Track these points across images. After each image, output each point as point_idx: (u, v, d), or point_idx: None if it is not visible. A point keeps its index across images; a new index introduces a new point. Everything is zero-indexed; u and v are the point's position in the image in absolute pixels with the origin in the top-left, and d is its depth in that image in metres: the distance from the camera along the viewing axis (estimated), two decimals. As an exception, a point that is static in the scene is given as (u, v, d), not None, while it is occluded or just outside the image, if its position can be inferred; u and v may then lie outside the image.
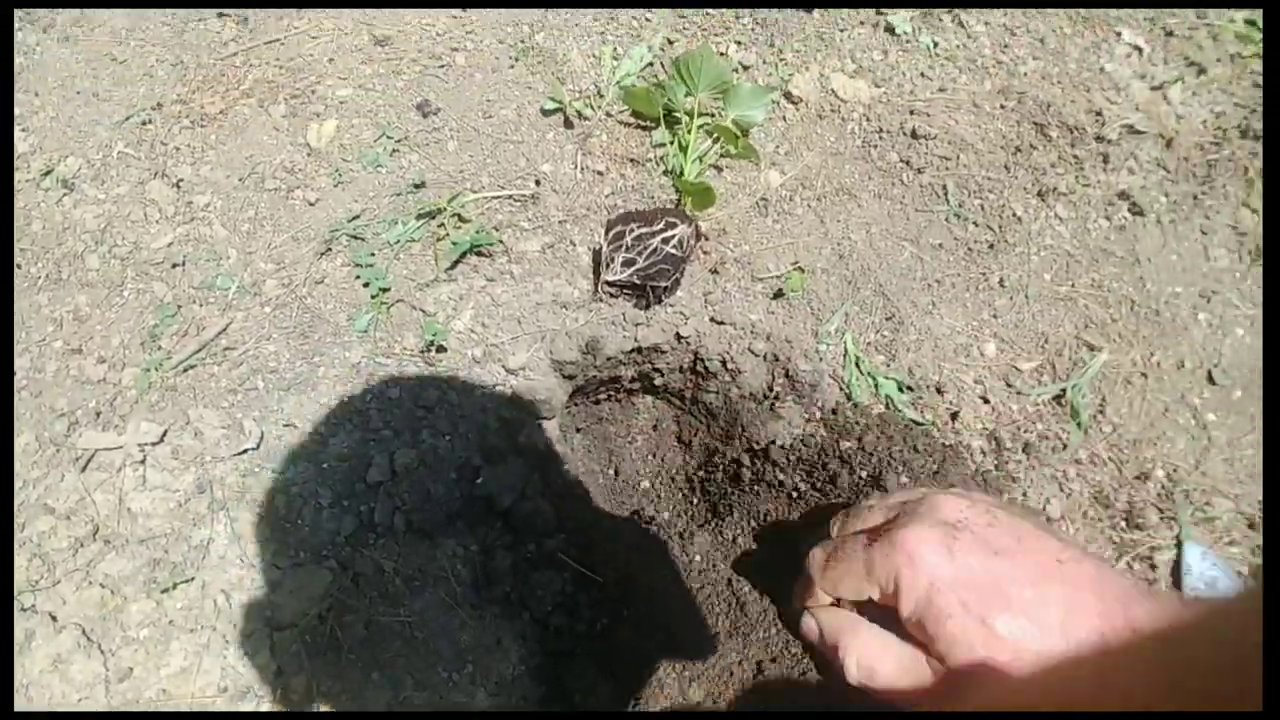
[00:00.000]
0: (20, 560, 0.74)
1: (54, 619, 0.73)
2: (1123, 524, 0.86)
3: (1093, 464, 0.90)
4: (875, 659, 0.44)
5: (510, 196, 1.04)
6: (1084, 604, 0.40)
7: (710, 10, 1.19)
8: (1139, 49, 1.20)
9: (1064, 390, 0.93)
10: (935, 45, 1.16)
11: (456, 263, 0.98)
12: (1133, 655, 0.34)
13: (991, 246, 1.03)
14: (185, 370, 0.91)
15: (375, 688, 0.71)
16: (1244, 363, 0.95)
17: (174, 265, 1.00)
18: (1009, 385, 0.95)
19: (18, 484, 0.82)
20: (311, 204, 1.04)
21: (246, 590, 0.75)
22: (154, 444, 0.84)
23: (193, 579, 0.76)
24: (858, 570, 0.46)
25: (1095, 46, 1.18)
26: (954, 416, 0.90)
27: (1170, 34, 1.22)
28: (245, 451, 0.84)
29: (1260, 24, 1.24)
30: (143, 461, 0.83)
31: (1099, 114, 1.11)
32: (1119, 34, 1.21)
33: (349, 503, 0.81)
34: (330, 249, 1.00)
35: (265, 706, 0.70)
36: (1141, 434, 0.92)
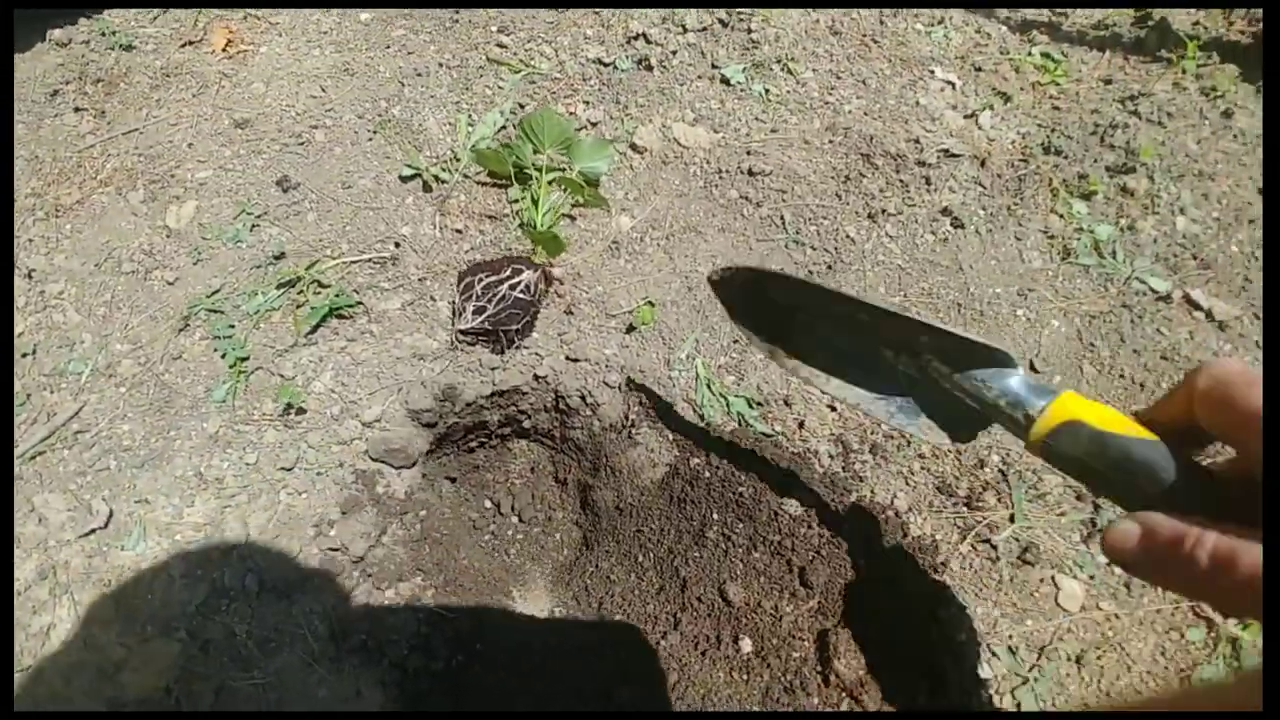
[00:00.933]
0: None
1: None
2: (964, 508, 0.91)
3: (935, 457, 0.96)
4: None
5: (370, 260, 1.07)
6: None
7: (557, 75, 1.27)
8: (951, 83, 1.33)
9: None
10: (767, 92, 1.26)
11: (316, 327, 1.00)
12: None
13: (830, 267, 1.10)
14: (32, 458, 0.89)
15: (224, 757, 0.69)
16: (1060, 350, 1.04)
17: (23, 355, 0.99)
18: (854, 392, 1.01)
19: None
20: (170, 283, 1.05)
21: (88, 673, 0.73)
22: (-5, 535, 0.82)
23: (29, 668, 0.73)
24: None
25: (911, 84, 1.31)
26: (801, 425, 0.95)
27: (979, 69, 1.36)
28: (92, 532, 0.83)
29: (1052, 58, 1.39)
30: (-18, 554, 0.80)
31: (917, 141, 1.21)
32: (932, 72, 1.34)
33: (202, 570, 0.80)
34: (189, 325, 1.01)
35: (106, 791, 0.67)
36: (976, 425, 0.98)
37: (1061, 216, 1.17)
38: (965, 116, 1.28)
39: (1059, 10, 1.43)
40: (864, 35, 1.37)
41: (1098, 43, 1.39)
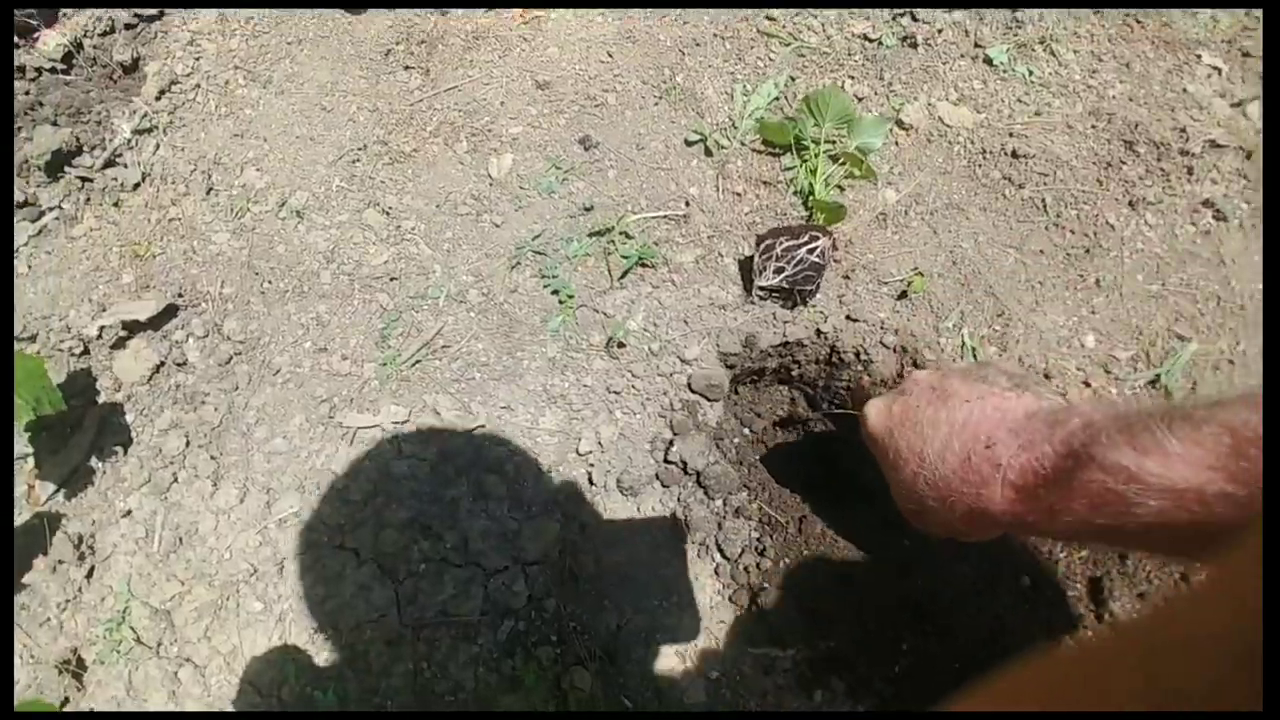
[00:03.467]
0: (328, 509, 0.95)
1: (358, 555, 0.93)
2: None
3: (1187, 438, 1.04)
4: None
5: (665, 216, 1.22)
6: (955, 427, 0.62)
7: (825, 49, 1.36)
8: (1218, 69, 1.33)
9: (1158, 375, 1.07)
10: (1030, 73, 1.31)
11: (626, 273, 1.17)
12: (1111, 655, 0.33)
13: (1088, 251, 1.17)
14: (415, 364, 1.12)
15: (606, 611, 0.90)
16: (1323, 349, 1.08)
17: (391, 279, 1.21)
18: (1108, 372, 1.09)
19: (301, 455, 1.03)
20: (498, 225, 1.24)
21: (495, 536, 0.95)
22: (402, 423, 1.05)
23: (453, 527, 0.96)
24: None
25: (1177, 69, 1.32)
26: (1062, 397, 1.05)
27: (1247, 55, 1.35)
28: (476, 429, 1.04)
29: None
30: (396, 437, 1.03)
31: (1183, 130, 1.24)
32: (1199, 56, 1.34)
33: (564, 468, 1.00)
34: (519, 263, 1.20)
35: (523, 624, 0.89)
36: (1231, 412, 1.05)
37: (1330, 215, 1.18)
38: (1232, 105, 1.29)
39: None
40: (1127, 15, 1.38)
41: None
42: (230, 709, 0.87)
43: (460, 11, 1.47)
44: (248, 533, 0.94)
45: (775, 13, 1.41)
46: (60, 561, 1.00)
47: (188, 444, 1.04)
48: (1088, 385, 1.08)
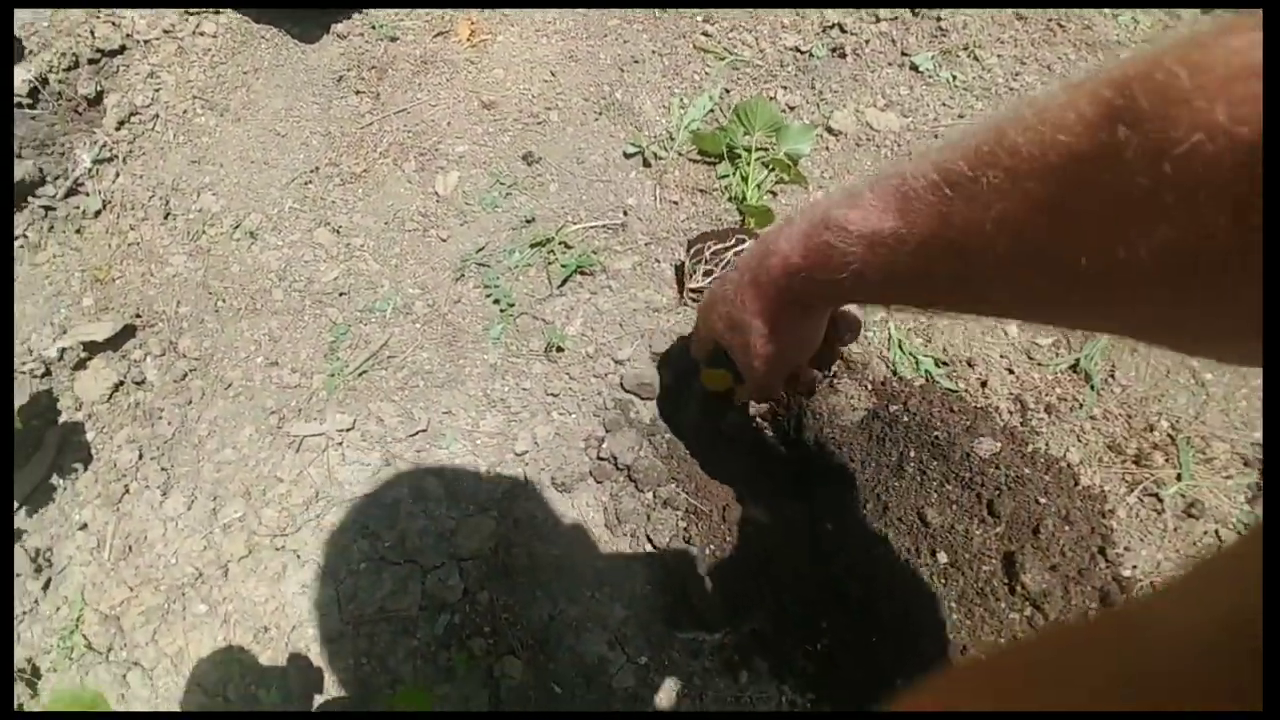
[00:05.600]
0: (270, 513, 0.99)
1: (299, 556, 0.96)
2: (1133, 465, 1.03)
3: (1106, 419, 1.08)
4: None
5: (604, 226, 1.27)
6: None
7: (758, 62, 1.41)
8: (1135, 69, 1.38)
9: (1078, 360, 1.11)
10: (954, 78, 1.36)
11: (565, 281, 1.21)
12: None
13: (1010, 244, 1.21)
14: (361, 375, 1.16)
15: (538, 602, 0.93)
16: (1234, 330, 1.12)
17: (341, 294, 1.25)
18: (1030, 358, 1.13)
19: (249, 464, 1.07)
20: (444, 240, 1.29)
21: (433, 534, 0.98)
22: (347, 430, 1.08)
23: (392, 527, 0.99)
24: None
25: (1098, 69, 1.37)
26: (984, 384, 1.09)
27: (1163, 53, 1.40)
28: (417, 434, 1.08)
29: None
30: (341, 444, 1.07)
31: (1099, 127, 1.29)
32: (1119, 57, 1.40)
33: (502, 467, 1.04)
34: (463, 275, 1.24)
35: (458, 617, 0.92)
36: (1147, 393, 1.09)
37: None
38: (1148, 102, 1.34)
39: (1254, -6, 1.44)
40: (1049, 19, 1.44)
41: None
42: (177, 709, 0.90)
43: (411, 37, 1.53)
44: (193, 538, 0.98)
45: (711, 29, 1.47)
46: (18, 575, 1.03)
47: (140, 457, 1.08)
48: (1011, 372, 1.12)
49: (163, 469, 1.06)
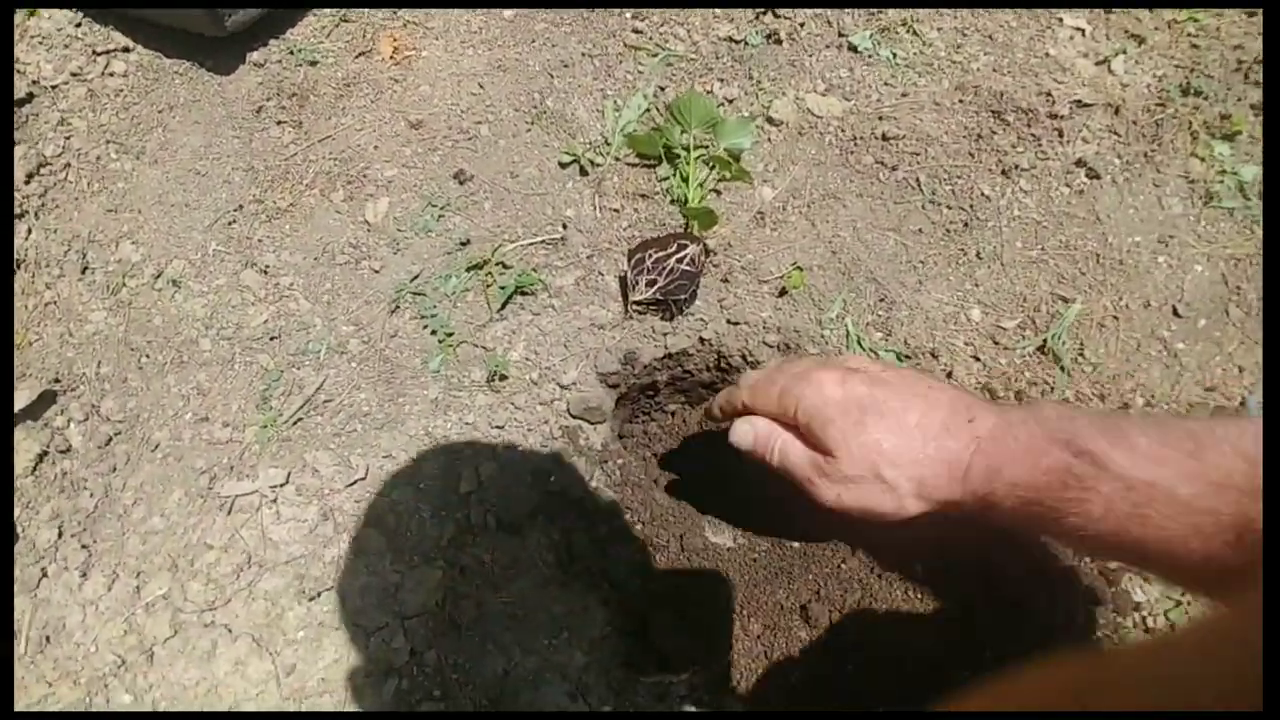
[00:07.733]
0: (197, 586, 0.92)
1: (230, 630, 0.90)
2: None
3: (1079, 400, 1.02)
4: (788, 450, 0.66)
5: (543, 241, 1.21)
6: (936, 413, 0.56)
7: (692, 56, 1.35)
8: (1081, 30, 1.33)
9: (1045, 341, 1.06)
10: (894, 56, 1.31)
11: (505, 303, 1.15)
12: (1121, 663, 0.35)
13: (966, 225, 1.16)
14: (295, 423, 1.09)
15: (491, 656, 0.87)
16: (1204, 294, 1.07)
17: (271, 338, 1.18)
18: (996, 343, 1.08)
19: (177, 532, 1.00)
20: (376, 271, 1.22)
21: (375, 592, 0.92)
22: (281, 485, 1.02)
23: (331, 588, 0.92)
24: (774, 393, 0.66)
25: (1040, 35, 1.32)
26: (949, 375, 1.04)
27: (1109, 12, 1.35)
28: (355, 482, 1.01)
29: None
30: (275, 501, 1.00)
31: (1049, 94, 1.24)
32: (1060, 19, 1.34)
33: (446, 512, 0.97)
34: (399, 307, 1.18)
35: (405, 682, 0.86)
36: (1119, 369, 1.04)
37: (1203, 160, 1.18)
38: (1097, 63, 1.29)
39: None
40: (989, -13, 1.39)
41: (1241, -26, 1.35)
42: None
43: (331, 60, 1.46)
44: (114, 622, 0.91)
45: (642, 25, 1.40)
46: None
47: (60, 535, 1.01)
48: (977, 359, 1.07)
49: (83, 546, 0.99)
